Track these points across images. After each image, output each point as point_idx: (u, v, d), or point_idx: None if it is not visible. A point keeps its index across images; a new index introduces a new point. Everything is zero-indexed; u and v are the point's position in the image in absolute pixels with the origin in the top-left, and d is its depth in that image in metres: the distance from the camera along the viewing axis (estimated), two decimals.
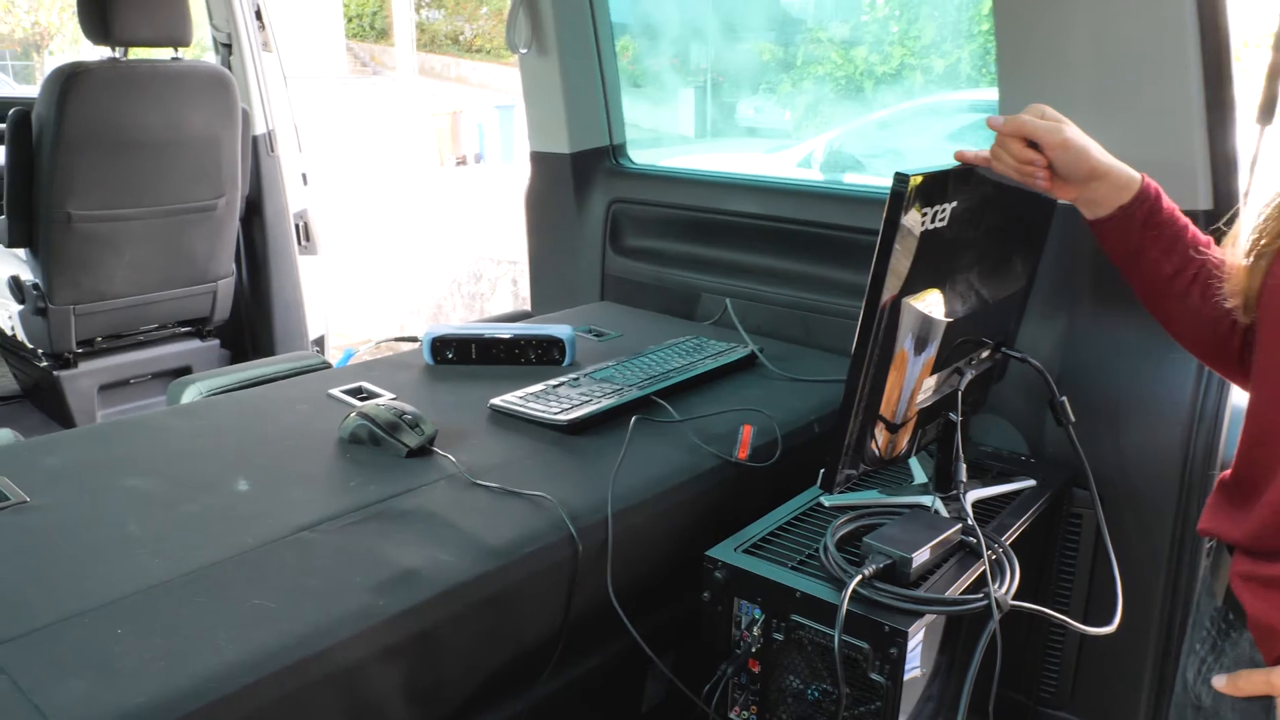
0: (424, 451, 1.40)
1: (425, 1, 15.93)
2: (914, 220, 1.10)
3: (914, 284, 1.15)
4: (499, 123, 13.76)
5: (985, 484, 1.49)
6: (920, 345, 1.23)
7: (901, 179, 1.06)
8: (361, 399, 1.61)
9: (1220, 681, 1.02)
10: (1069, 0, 1.52)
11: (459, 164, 13.42)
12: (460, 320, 5.79)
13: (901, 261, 1.11)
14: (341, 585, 1.06)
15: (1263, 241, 1.02)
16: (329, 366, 1.92)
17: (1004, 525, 1.38)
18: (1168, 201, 1.17)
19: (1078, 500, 1.61)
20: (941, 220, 1.14)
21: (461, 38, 15.98)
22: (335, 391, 1.64)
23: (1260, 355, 1.03)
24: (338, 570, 1.09)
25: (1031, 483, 1.51)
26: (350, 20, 15.33)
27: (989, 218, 1.28)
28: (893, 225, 1.07)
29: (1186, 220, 1.18)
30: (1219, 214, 1.46)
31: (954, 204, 1.16)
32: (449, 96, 14.25)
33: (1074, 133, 1.16)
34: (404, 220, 6.59)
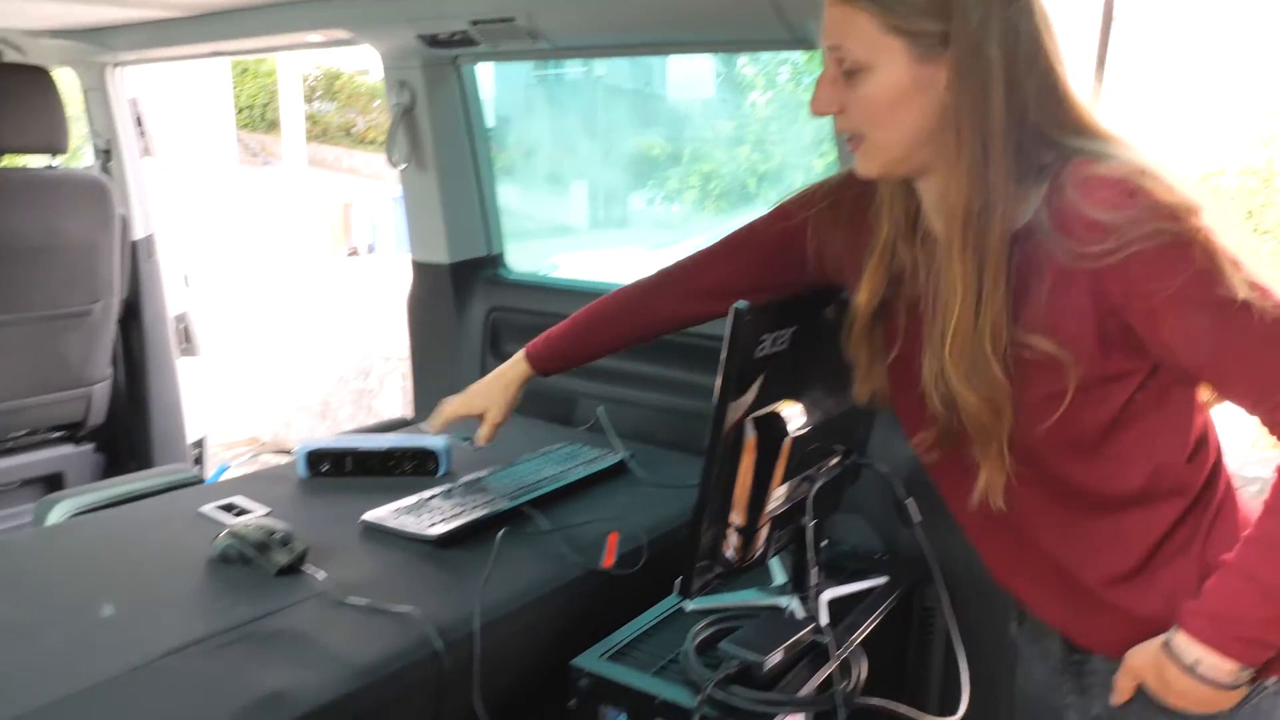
0: (294, 569, 1.42)
1: (317, 94, 15.97)
2: (755, 347, 1.18)
3: (761, 400, 1.23)
4: (393, 213, 13.76)
5: (840, 582, 1.56)
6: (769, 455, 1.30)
7: (739, 311, 1.14)
8: (236, 515, 1.62)
9: (1113, 697, 1.17)
10: None
11: (351, 255, 13.37)
12: (348, 418, 5.75)
13: (746, 382, 1.19)
14: (204, 716, 1.08)
15: None
16: (200, 481, 1.93)
17: (855, 623, 1.46)
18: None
19: (929, 595, 1.70)
20: (782, 344, 1.24)
21: (354, 130, 16.03)
22: (207, 509, 1.64)
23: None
24: (202, 697, 1.11)
25: (884, 580, 1.59)
26: (241, 110, 15.27)
27: (828, 338, 1.38)
28: (732, 353, 1.15)
29: None
30: None
31: (794, 328, 1.26)
32: (341, 187, 14.23)
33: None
34: (293, 314, 6.55)
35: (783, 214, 1.42)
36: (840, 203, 1.33)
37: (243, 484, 1.80)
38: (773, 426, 1.27)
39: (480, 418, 1.72)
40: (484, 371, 2.49)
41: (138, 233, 3.33)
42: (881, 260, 1.21)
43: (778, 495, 1.37)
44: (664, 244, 5.44)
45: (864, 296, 1.23)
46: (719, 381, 1.16)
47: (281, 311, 6.60)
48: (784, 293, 1.40)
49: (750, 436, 1.23)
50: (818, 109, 1.12)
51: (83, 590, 1.35)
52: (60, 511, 1.75)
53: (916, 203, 1.19)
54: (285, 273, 7.89)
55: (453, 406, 1.74)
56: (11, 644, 1.20)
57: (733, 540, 1.31)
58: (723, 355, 1.15)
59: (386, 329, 5.84)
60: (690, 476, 1.85)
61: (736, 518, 1.29)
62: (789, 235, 1.40)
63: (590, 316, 1.66)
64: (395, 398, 5.55)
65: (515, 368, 1.70)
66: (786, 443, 1.32)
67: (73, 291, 3.00)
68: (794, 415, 1.33)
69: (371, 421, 5.40)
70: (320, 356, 6.00)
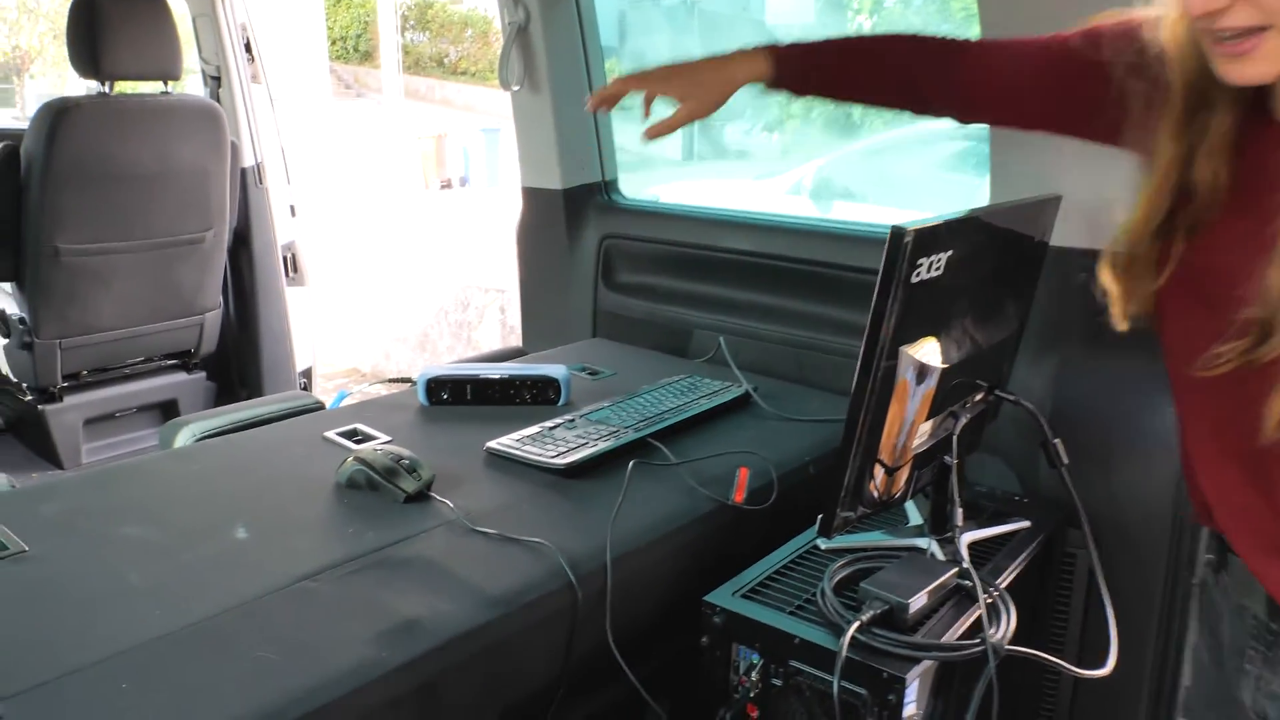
0: (421, 497, 1.42)
1: (410, 24, 15.99)
2: (911, 271, 1.12)
3: (910, 331, 1.18)
4: (485, 146, 13.78)
5: (980, 525, 1.51)
6: (918, 389, 1.25)
7: (898, 232, 1.08)
8: (357, 442, 1.63)
9: None
10: (1054, 16, 1.55)
11: (444, 188, 13.45)
12: (446, 350, 5.81)
13: (899, 309, 1.14)
14: (344, 637, 1.08)
15: None
16: (322, 407, 1.94)
17: (999, 568, 1.41)
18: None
19: (1071, 541, 1.64)
20: (937, 269, 1.17)
21: (446, 60, 16.04)
22: (331, 434, 1.65)
23: None
24: (339, 622, 1.11)
25: (1026, 524, 1.53)
26: (334, 43, 15.37)
27: (982, 264, 1.31)
28: (889, 277, 1.10)
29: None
30: None
31: (949, 253, 1.19)
32: (434, 119, 14.28)
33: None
34: (390, 246, 6.61)
35: (1092, 41, 1.19)
36: (1143, 66, 1.10)
37: (362, 411, 1.81)
38: (924, 357, 1.22)
39: (658, 104, 1.42)
40: (596, 302, 2.49)
41: (247, 160, 3.37)
42: (1168, 178, 1.07)
43: (923, 431, 1.33)
44: (767, 174, 5.33)
45: (1142, 215, 1.09)
46: (873, 306, 1.11)
47: (379, 244, 6.68)
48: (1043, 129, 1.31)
49: (902, 368, 1.18)
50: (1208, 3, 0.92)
51: (214, 512, 1.37)
52: (187, 435, 1.78)
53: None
54: (381, 205, 7.96)
55: (638, 80, 1.43)
56: (149, 564, 1.22)
57: (878, 478, 1.27)
58: (879, 278, 1.09)
59: (484, 261, 5.87)
60: (816, 411, 1.87)
61: (884, 454, 1.24)
62: (1087, 70, 1.19)
63: (847, 43, 1.39)
64: (494, 329, 5.60)
65: (748, 65, 1.39)
66: (936, 376, 1.27)
67: (186, 219, 3.06)
68: (945, 346, 1.28)
69: (470, 354, 5.47)
70: (418, 289, 6.07)
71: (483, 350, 5.31)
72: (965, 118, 1.47)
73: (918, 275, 1.13)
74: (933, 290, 1.18)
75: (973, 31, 1.63)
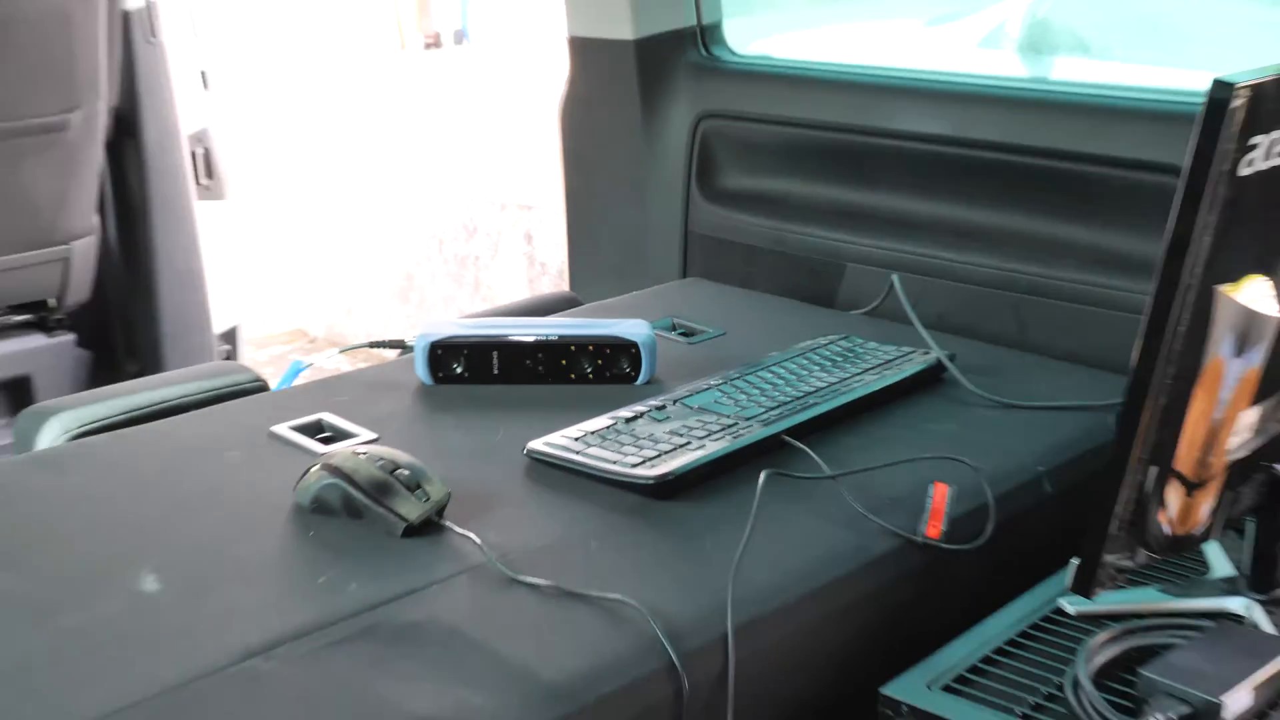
0: (431, 527, 1.42)
1: None
2: (1238, 155, 1.09)
3: (1232, 261, 1.15)
4: None
5: None
6: (1241, 356, 1.22)
7: (1223, 87, 1.05)
8: (325, 442, 1.64)
9: None
10: None
11: (429, 46, 13.51)
12: (444, 299, 5.84)
13: (1217, 224, 1.10)
14: None
15: None
16: (264, 387, 1.95)
17: None
18: None
19: None
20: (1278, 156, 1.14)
21: None
22: (282, 429, 1.67)
23: None
24: None
25: None
26: None
27: None
28: (1205, 163, 1.07)
29: None
30: None
31: None
32: None
33: None
34: (352, 140, 6.64)
35: None
36: None
37: (329, 393, 1.83)
38: (1253, 304, 1.18)
39: None
40: (688, 222, 2.48)
41: (131, 1, 3.38)
42: None
43: (1244, 426, 1.30)
44: (947, 16, 5.27)
45: None
46: (1173, 221, 1.08)
47: (335, 136, 6.71)
48: None
49: (1219, 323, 1.14)
50: None
51: (105, 551, 1.38)
52: (54, 430, 1.79)
53: None
54: (339, 74, 8.01)
55: None
56: (15, 630, 1.23)
57: (1172, 504, 1.24)
58: (1186, 171, 1.07)
59: (497, 163, 5.87)
60: (1054, 393, 1.85)
61: (1183, 465, 1.21)
62: None
63: None
64: (516, 266, 5.61)
65: None
66: (1272, 338, 1.24)
67: (38, 93, 3.08)
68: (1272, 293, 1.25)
69: (483, 306, 5.49)
70: (396, 207, 6.10)
71: (503, 300, 5.32)
72: None
73: (1251, 164, 1.09)
74: (1275, 193, 1.14)
75: None
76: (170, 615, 1.26)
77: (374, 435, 1.65)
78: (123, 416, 1.82)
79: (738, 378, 1.79)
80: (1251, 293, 1.21)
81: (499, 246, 5.68)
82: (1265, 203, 1.14)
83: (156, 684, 1.15)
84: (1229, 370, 1.23)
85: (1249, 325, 1.21)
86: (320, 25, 9.74)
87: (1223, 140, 1.07)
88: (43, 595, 1.29)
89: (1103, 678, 1.27)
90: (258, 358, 5.03)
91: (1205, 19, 4.18)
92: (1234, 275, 1.18)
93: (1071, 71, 4.32)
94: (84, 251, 3.36)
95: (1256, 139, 1.10)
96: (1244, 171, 1.10)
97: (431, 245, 5.92)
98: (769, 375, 1.80)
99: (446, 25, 13.98)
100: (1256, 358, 1.25)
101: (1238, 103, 1.06)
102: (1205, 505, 1.33)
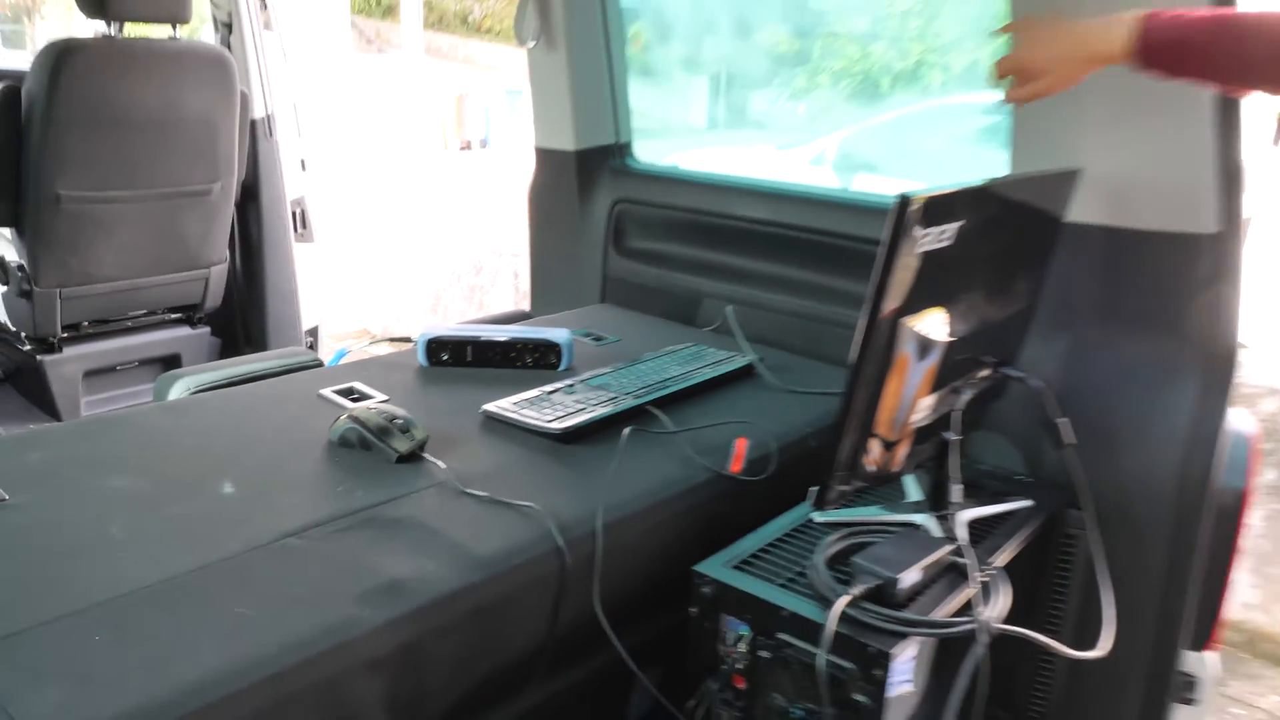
0: (414, 457, 1.42)
1: None
2: (917, 239, 1.12)
3: (915, 302, 1.17)
4: (507, 108, 13.72)
5: (980, 503, 1.50)
6: (922, 360, 1.25)
7: (905, 200, 1.08)
8: (353, 401, 1.63)
9: None
10: (1083, 11, 1.54)
11: (463, 149, 13.40)
12: (458, 313, 5.81)
13: (903, 279, 1.13)
14: (326, 594, 1.09)
15: None
16: (320, 364, 1.95)
17: (996, 546, 1.40)
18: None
19: (1072, 522, 1.63)
20: (946, 239, 1.17)
21: (470, 18, 15.95)
22: (326, 392, 1.66)
23: None
24: (323, 579, 1.12)
25: (1027, 503, 1.53)
26: None
27: (995, 236, 1.30)
28: (894, 245, 1.09)
29: None
30: (1226, 236, 1.48)
31: (960, 223, 1.18)
32: (455, 77, 14.23)
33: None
34: (405, 207, 6.60)
35: None
36: None
37: (361, 369, 1.82)
38: (927, 330, 1.21)
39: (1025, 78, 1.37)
40: (605, 267, 2.49)
41: (257, 111, 3.36)
42: None
43: (924, 406, 1.32)
44: (792, 144, 5.29)
45: None
46: (875, 277, 1.10)
47: (393, 204, 6.66)
48: None
49: (903, 340, 1.17)
50: None
51: (203, 467, 1.38)
52: (180, 388, 1.79)
53: None
54: (398, 165, 7.94)
55: (1018, 58, 1.37)
56: (131, 516, 1.23)
57: (874, 452, 1.26)
58: (882, 247, 1.09)
59: (499, 224, 5.85)
60: (820, 383, 1.86)
61: (881, 428, 1.24)
62: None
63: (1222, 21, 1.23)
64: (507, 293, 5.59)
65: (1110, 40, 1.28)
66: (940, 350, 1.26)
67: (193, 169, 3.05)
68: (951, 320, 1.27)
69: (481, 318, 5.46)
70: (433, 250, 6.06)
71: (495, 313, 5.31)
72: None
73: (925, 244, 1.12)
74: (941, 261, 1.17)
75: None
76: (238, 509, 1.27)
77: (385, 397, 1.65)
78: (224, 380, 1.81)
79: (623, 367, 1.80)
80: (930, 320, 1.24)
81: (496, 279, 5.66)
82: (933, 268, 1.16)
83: (226, 552, 1.15)
84: (913, 368, 1.25)
85: (922, 342, 1.24)
86: (387, 130, 9.66)
87: (905, 230, 1.10)
88: (159, 493, 1.29)
89: (832, 562, 1.29)
90: (333, 346, 4.98)
91: (959, 154, 4.19)
92: (919, 310, 1.21)
93: (860, 182, 4.36)
94: (218, 274, 3.33)
95: (928, 230, 1.13)
96: (919, 250, 1.13)
97: (452, 278, 5.89)
98: (643, 367, 1.81)
99: (475, 135, 13.88)
100: (932, 360, 1.28)
101: (915, 207, 1.09)
102: (901, 454, 1.35)
